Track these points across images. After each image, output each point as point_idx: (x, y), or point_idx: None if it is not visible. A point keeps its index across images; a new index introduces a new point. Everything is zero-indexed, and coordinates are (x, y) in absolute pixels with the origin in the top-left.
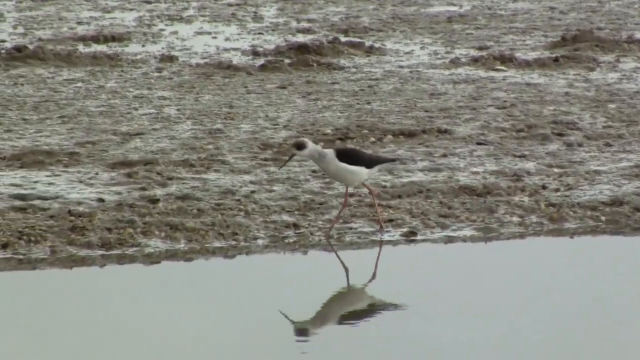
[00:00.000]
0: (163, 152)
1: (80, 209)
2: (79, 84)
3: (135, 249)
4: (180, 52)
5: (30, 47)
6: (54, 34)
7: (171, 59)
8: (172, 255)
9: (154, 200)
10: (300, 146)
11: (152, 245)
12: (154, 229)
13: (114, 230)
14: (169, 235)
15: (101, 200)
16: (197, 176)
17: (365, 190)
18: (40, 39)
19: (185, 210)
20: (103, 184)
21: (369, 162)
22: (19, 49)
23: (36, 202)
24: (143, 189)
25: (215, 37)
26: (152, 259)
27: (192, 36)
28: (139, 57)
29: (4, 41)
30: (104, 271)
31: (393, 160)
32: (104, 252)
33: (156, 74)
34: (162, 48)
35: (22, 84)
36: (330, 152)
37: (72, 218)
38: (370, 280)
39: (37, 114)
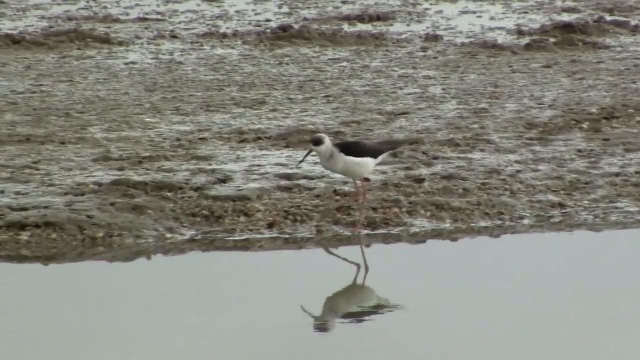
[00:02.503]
0: (428, 132)
1: (346, 188)
2: (344, 64)
3: (401, 228)
4: (445, 32)
5: (296, 26)
6: (319, 13)
7: (436, 38)
8: (438, 234)
9: (420, 180)
10: (318, 142)
11: (418, 224)
12: (419, 208)
13: (379, 210)
14: (435, 215)
15: (367, 180)
16: (463, 156)
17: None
18: (305, 19)
19: (451, 189)
20: None
21: (374, 152)
22: (284, 28)
23: (302, 181)
24: (408, 168)
25: (480, 17)
26: (417, 238)
27: (457, 15)
28: (403, 36)
29: (269, 21)
30: (369, 251)
31: (394, 148)
32: (370, 232)
33: (421, 54)
34: (427, 27)
35: (287, 64)
36: (335, 149)
37: (338, 198)
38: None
39: (303, 93)
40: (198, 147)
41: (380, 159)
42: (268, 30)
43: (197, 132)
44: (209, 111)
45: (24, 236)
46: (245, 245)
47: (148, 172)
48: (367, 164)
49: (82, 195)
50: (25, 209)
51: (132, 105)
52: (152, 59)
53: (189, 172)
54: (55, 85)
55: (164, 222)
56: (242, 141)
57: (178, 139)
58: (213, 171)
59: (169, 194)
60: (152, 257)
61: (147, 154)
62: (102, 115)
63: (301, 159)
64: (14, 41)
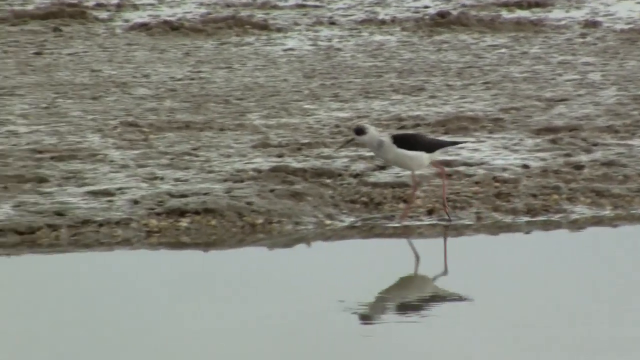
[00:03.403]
0: (588, 118)
1: (505, 175)
2: (503, 50)
3: (560, 215)
4: (604, 18)
5: (454, 13)
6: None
7: (595, 24)
8: (597, 221)
9: (579, 167)
10: (360, 131)
11: (578, 211)
12: (579, 195)
13: (539, 197)
14: (595, 201)
15: (526, 166)
16: (623, 142)
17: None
18: (463, 5)
19: (611, 176)
20: (527, 150)
21: (429, 146)
22: (442, 15)
23: (461, 168)
24: (568, 155)
25: (639, 3)
26: (577, 225)
27: (616, 1)
28: (562, 22)
29: (427, 7)
30: (528, 238)
31: (454, 143)
32: (529, 219)
33: (580, 40)
34: (586, 13)
35: (445, 50)
36: (387, 139)
37: (497, 184)
38: None
39: (461, 79)
40: None
41: (437, 153)
42: (426, 17)
43: (355, 119)
44: (367, 97)
45: (184, 223)
46: (405, 232)
47: (307, 158)
48: (420, 157)
49: (241, 181)
50: (184, 196)
51: (291, 92)
52: (310, 45)
53: (347, 158)
54: (214, 72)
55: (323, 208)
56: (401, 127)
57: (337, 126)
58: (372, 158)
59: (328, 181)
60: (311, 244)
61: (306, 141)
62: (260, 102)
63: (340, 145)
64: (173, 27)
